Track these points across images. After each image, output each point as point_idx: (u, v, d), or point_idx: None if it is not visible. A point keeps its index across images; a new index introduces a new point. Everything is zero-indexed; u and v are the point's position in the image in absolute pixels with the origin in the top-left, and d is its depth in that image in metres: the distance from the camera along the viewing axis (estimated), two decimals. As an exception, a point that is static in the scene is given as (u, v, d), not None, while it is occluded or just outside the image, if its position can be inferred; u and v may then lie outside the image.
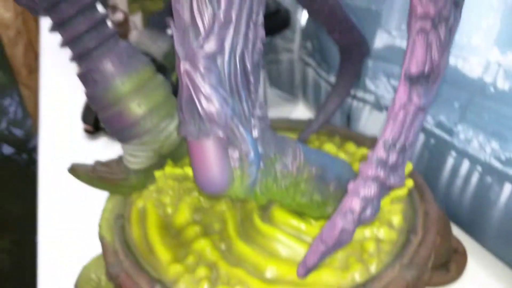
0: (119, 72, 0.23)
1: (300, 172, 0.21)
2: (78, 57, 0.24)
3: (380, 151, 0.18)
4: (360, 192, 0.18)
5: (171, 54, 0.43)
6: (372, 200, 0.18)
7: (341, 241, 0.18)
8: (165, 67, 0.43)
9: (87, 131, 0.53)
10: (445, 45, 0.19)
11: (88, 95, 0.24)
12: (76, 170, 0.28)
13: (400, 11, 0.37)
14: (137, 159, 0.27)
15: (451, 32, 0.19)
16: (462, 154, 0.32)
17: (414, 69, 0.18)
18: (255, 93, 0.19)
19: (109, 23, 0.48)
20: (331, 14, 0.26)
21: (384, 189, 0.18)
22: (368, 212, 0.18)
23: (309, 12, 0.27)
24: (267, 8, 0.50)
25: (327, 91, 0.49)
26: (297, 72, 0.57)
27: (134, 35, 0.40)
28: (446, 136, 0.34)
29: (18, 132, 0.61)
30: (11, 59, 1.00)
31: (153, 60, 0.45)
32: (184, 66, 0.17)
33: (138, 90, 0.24)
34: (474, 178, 0.32)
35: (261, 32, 0.18)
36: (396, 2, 0.37)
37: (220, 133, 0.18)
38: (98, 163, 0.29)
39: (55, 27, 0.23)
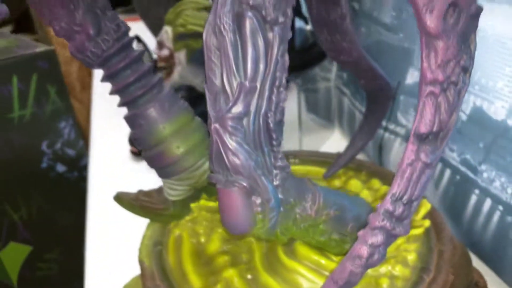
0: (161, 118, 0.26)
1: (319, 214, 0.23)
2: (125, 104, 0.27)
3: (387, 204, 0.19)
4: (368, 240, 0.20)
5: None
6: (378, 247, 0.20)
7: (350, 283, 0.20)
8: (205, 97, 0.46)
9: (133, 152, 0.57)
10: (454, 107, 0.20)
11: (133, 136, 0.28)
12: (121, 198, 0.32)
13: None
14: (175, 192, 0.30)
15: (460, 95, 0.21)
16: (485, 193, 0.33)
17: (423, 129, 0.20)
18: (277, 146, 0.21)
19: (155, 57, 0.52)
20: (356, 64, 0.28)
21: (390, 238, 0.20)
22: (375, 257, 0.20)
23: (336, 62, 0.29)
24: (305, 42, 0.53)
25: (360, 121, 0.51)
26: (334, 100, 0.59)
27: (178, 70, 0.44)
28: (470, 174, 0.35)
29: (70, 152, 0.66)
30: (66, 76, 1.06)
31: (195, 90, 0.49)
32: (214, 125, 0.20)
33: (177, 133, 0.27)
34: (496, 217, 0.33)
35: (283, 94, 0.21)
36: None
37: (244, 183, 0.20)
38: (141, 193, 0.32)
39: (106, 78, 0.26)
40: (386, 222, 0.19)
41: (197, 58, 0.43)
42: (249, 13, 0.18)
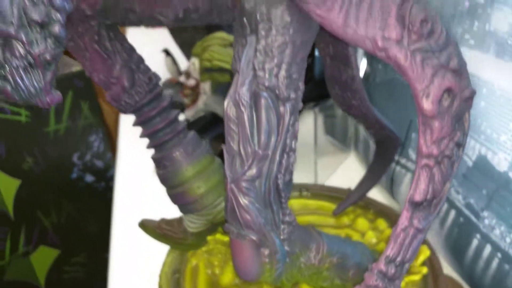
0: (185, 161, 0.29)
1: (322, 263, 0.26)
2: (154, 147, 0.30)
3: (381, 265, 0.22)
4: (362, 296, 0.22)
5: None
6: (371, 303, 0.22)
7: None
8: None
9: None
10: (447, 178, 0.23)
11: (159, 175, 0.30)
12: (145, 225, 0.35)
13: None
14: (195, 225, 0.32)
15: (453, 166, 0.23)
16: (486, 239, 0.35)
17: (417, 197, 0.22)
18: (285, 203, 0.24)
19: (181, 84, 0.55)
20: (365, 117, 0.30)
21: (383, 295, 0.22)
22: (369, 311, 0.22)
23: (347, 114, 0.32)
24: (321, 74, 0.55)
25: (375, 151, 0.52)
26: (351, 126, 0.61)
27: (203, 98, 0.47)
28: (473, 218, 0.37)
29: (99, 163, 0.70)
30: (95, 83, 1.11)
31: (217, 115, 0.52)
32: (230, 185, 0.22)
33: (199, 175, 0.30)
34: (494, 263, 0.35)
35: (293, 157, 0.23)
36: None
37: (254, 237, 0.23)
38: (163, 221, 0.35)
39: (137, 124, 0.29)
40: (379, 282, 0.22)
41: (221, 90, 0.46)
42: (265, 94, 0.21)
